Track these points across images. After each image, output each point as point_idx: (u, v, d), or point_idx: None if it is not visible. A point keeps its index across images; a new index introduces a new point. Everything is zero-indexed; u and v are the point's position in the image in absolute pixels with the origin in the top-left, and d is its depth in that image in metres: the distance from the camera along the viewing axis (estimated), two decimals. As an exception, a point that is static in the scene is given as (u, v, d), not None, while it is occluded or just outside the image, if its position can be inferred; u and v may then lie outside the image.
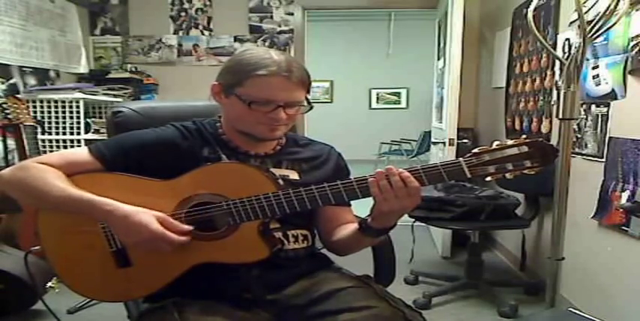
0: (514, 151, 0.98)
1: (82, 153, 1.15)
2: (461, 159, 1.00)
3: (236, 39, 3.98)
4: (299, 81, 1.12)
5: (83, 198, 1.04)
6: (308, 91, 1.17)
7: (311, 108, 1.18)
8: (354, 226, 1.17)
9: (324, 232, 1.28)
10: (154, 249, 1.03)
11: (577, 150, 2.17)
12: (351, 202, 1.25)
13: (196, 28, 3.99)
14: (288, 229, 1.19)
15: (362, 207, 1.31)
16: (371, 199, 1.06)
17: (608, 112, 1.96)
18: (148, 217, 1.02)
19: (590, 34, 1.51)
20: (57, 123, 3.07)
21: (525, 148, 0.98)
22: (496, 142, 1.00)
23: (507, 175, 0.99)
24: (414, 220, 2.56)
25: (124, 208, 1.03)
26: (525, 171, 0.99)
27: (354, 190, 1.03)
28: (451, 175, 1.00)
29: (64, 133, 3.08)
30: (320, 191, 1.04)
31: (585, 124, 2.13)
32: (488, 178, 1.00)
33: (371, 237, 1.13)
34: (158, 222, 1.02)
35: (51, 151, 2.84)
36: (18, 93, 2.97)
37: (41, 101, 3.05)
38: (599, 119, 2.02)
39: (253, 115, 1.12)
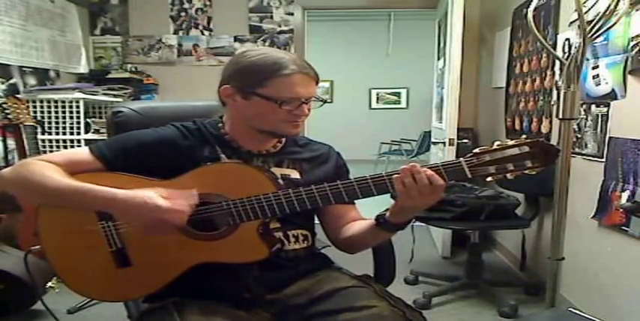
0: (515, 151, 0.98)
1: (83, 152, 1.15)
2: (461, 159, 0.99)
3: (236, 39, 3.98)
4: (315, 76, 1.16)
5: (84, 187, 1.04)
6: (317, 85, 1.19)
7: (324, 102, 1.21)
8: (367, 222, 1.17)
9: (332, 230, 1.27)
10: (167, 226, 1.01)
11: (577, 150, 2.17)
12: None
13: (196, 28, 3.99)
14: (289, 229, 1.19)
15: (366, 207, 1.31)
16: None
17: (608, 112, 1.96)
18: (150, 195, 1.01)
19: (590, 34, 1.51)
20: (57, 123, 3.07)
21: (526, 149, 0.98)
22: (497, 143, 0.99)
23: (508, 176, 0.99)
24: (414, 220, 2.55)
25: (125, 192, 1.02)
26: (526, 171, 0.98)
27: (354, 190, 1.04)
28: (452, 175, 1.00)
29: (64, 133, 3.08)
30: (320, 191, 1.04)
31: (585, 124, 2.13)
32: (489, 179, 1.00)
33: (388, 232, 1.14)
34: (161, 196, 1.01)
35: (51, 151, 2.84)
36: (18, 93, 2.97)
37: (41, 101, 3.05)
38: (599, 119, 2.02)
39: (278, 114, 1.13)
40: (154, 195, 1.01)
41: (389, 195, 1.06)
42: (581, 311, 1.39)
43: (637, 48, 1.74)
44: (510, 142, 0.99)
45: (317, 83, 1.18)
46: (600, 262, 2.04)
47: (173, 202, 1.01)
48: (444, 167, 1.00)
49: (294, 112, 1.14)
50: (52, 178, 1.06)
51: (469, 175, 0.99)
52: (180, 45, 4.01)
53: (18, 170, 1.11)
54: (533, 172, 0.99)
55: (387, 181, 1.02)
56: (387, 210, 1.10)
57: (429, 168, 1.00)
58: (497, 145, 0.99)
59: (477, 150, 1.00)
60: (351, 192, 1.04)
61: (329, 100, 8.69)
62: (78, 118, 3.08)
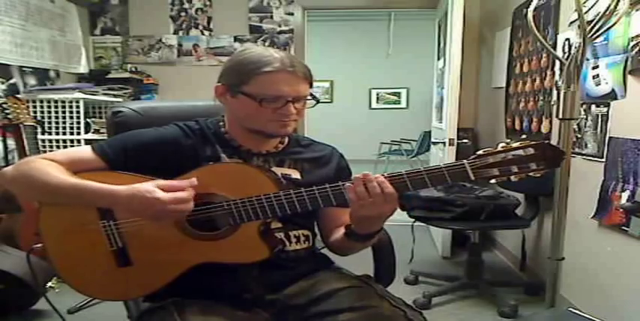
0: (519, 153, 0.97)
1: (85, 151, 1.16)
2: (465, 161, 0.98)
3: (236, 39, 3.98)
4: (303, 75, 1.14)
5: (87, 185, 1.05)
6: (311, 86, 1.17)
7: (317, 102, 1.19)
8: (343, 230, 1.16)
9: (325, 233, 1.28)
10: (172, 215, 1.01)
11: (577, 150, 2.17)
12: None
13: (196, 28, 3.99)
14: (290, 229, 1.19)
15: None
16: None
17: (608, 112, 1.96)
18: (149, 188, 1.00)
19: (590, 34, 1.51)
20: (57, 123, 3.07)
21: (531, 151, 0.96)
22: (501, 144, 0.98)
23: (512, 178, 0.98)
24: (414, 220, 2.56)
25: (127, 189, 1.02)
26: (531, 174, 0.97)
27: None
28: (455, 177, 0.99)
29: (64, 133, 3.08)
30: (321, 192, 1.04)
31: (585, 124, 2.13)
32: (492, 181, 0.98)
33: (357, 242, 1.13)
34: (160, 189, 1.00)
35: (51, 151, 2.84)
36: (18, 93, 2.97)
37: (41, 101, 3.05)
38: (599, 119, 2.02)
39: (264, 113, 1.12)
40: (152, 188, 1.00)
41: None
42: (581, 311, 1.39)
43: (637, 48, 1.74)
44: (515, 144, 0.97)
45: (311, 83, 1.16)
46: (600, 262, 2.04)
47: (173, 193, 1.00)
48: (447, 169, 0.99)
49: (279, 111, 1.12)
50: (55, 175, 1.06)
51: (472, 178, 0.98)
52: (180, 45, 4.01)
53: (20, 168, 1.11)
54: (538, 175, 0.97)
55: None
56: None
57: (431, 170, 0.99)
58: (502, 147, 0.97)
59: (480, 152, 0.98)
60: None
61: (328, 100, 8.71)
62: (78, 118, 3.08)
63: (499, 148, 0.98)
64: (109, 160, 1.13)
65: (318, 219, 1.28)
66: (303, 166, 1.24)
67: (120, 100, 3.52)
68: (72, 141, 3.08)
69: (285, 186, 1.09)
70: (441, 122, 3.46)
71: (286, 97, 1.11)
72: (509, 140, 1.00)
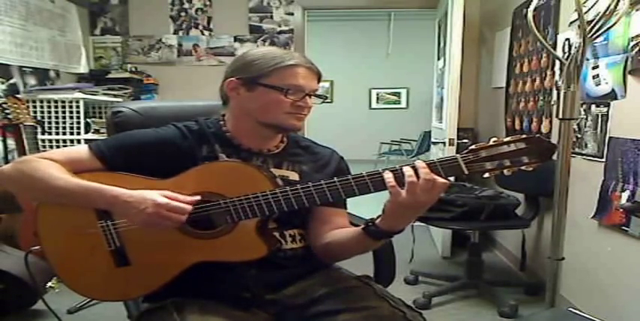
0: (511, 147, 0.98)
1: (82, 151, 1.16)
2: (458, 155, 0.99)
3: (236, 39, 3.98)
4: (318, 72, 1.19)
5: (90, 186, 1.06)
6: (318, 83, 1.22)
7: (325, 98, 1.24)
8: (355, 228, 1.15)
9: (315, 235, 1.23)
10: (164, 223, 1.02)
11: (577, 150, 2.17)
12: (348, 204, 1.26)
13: (196, 28, 3.99)
14: (286, 228, 1.19)
15: (360, 207, 1.31)
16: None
17: (608, 112, 1.96)
18: (151, 193, 1.03)
19: (590, 34, 1.51)
20: (57, 123, 3.08)
21: (522, 145, 0.98)
22: (493, 139, 0.99)
23: (505, 172, 0.99)
24: (414, 222, 2.56)
25: (129, 191, 1.04)
26: (523, 167, 0.98)
27: (352, 188, 1.02)
28: (448, 172, 0.99)
29: (64, 133, 3.09)
30: (317, 189, 1.04)
31: (585, 124, 2.13)
32: (486, 175, 0.99)
33: (374, 239, 1.10)
34: (162, 196, 1.02)
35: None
36: (18, 93, 2.97)
37: (41, 101, 3.05)
38: (599, 119, 2.02)
39: (282, 105, 1.14)
40: (154, 193, 1.02)
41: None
42: (581, 311, 1.39)
43: (637, 48, 1.74)
44: (506, 139, 0.99)
45: (319, 81, 1.20)
46: (600, 262, 2.04)
47: (173, 201, 1.02)
48: (441, 163, 0.99)
49: (297, 104, 1.15)
50: (57, 176, 1.07)
51: (465, 171, 0.98)
52: (180, 45, 4.01)
53: (19, 168, 1.11)
54: (530, 168, 0.98)
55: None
56: (379, 217, 1.08)
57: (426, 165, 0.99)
58: (494, 142, 0.99)
59: (473, 146, 1.00)
60: (348, 189, 1.02)
61: (329, 100, 8.69)
62: (78, 118, 3.08)
63: (491, 143, 0.99)
64: (106, 160, 1.14)
65: (309, 220, 1.25)
66: (302, 169, 1.24)
67: (120, 100, 3.52)
68: (72, 141, 3.08)
69: (282, 185, 1.09)
70: (441, 122, 3.46)
71: (305, 90, 1.15)
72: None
